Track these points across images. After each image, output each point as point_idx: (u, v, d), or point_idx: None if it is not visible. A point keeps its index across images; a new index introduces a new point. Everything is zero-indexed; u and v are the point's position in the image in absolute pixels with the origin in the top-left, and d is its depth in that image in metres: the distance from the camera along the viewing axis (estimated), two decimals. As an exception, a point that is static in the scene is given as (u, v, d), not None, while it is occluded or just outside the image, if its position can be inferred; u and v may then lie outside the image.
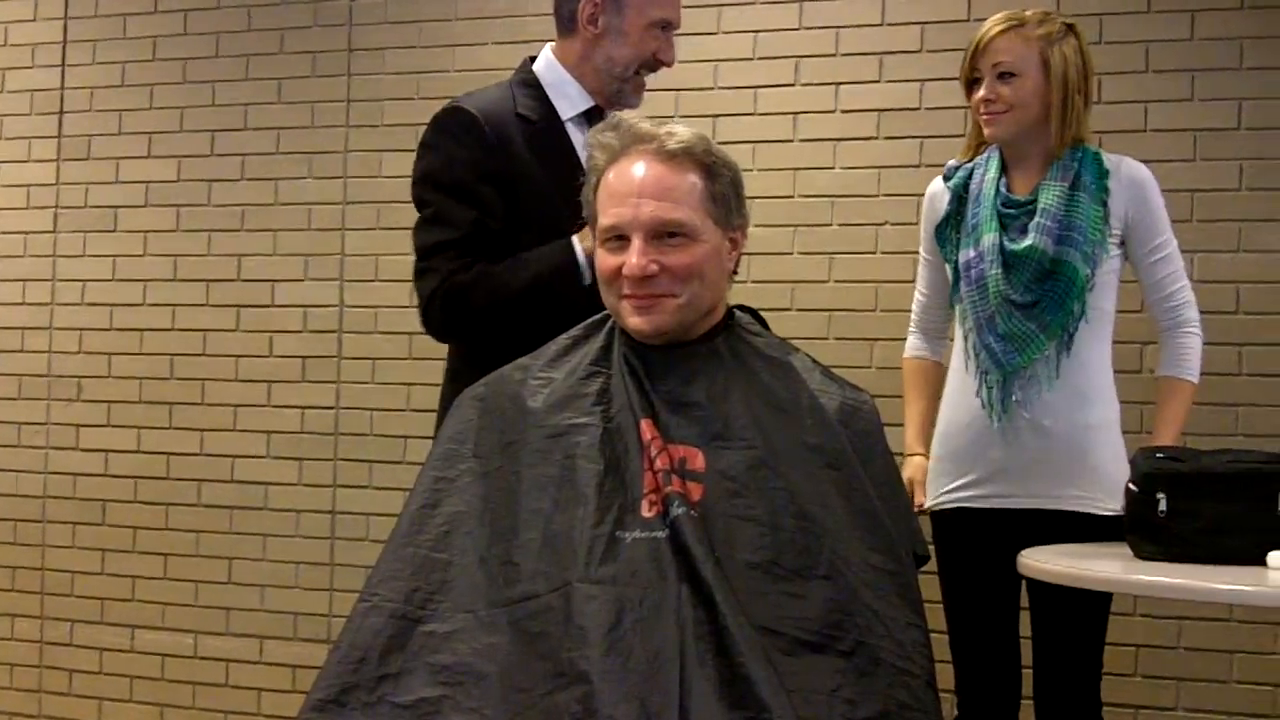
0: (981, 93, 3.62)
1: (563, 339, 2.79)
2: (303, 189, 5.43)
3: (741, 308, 2.87)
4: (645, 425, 2.55)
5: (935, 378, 3.93)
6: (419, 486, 2.63)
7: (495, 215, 3.25)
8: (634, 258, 2.60)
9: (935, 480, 3.78)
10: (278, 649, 5.40)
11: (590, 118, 3.38)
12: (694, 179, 2.64)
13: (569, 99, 3.42)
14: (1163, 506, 3.08)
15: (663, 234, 2.61)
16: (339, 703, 2.40)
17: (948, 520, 3.74)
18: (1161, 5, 4.57)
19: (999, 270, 3.60)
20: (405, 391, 5.26)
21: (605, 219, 2.65)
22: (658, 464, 2.50)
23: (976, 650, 3.75)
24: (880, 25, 4.83)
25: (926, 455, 3.84)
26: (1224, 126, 4.51)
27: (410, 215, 5.19)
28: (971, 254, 3.67)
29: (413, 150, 5.15)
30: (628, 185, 2.63)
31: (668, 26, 3.41)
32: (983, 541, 3.66)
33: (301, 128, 5.43)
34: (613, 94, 3.42)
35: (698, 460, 2.53)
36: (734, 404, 2.61)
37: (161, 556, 5.55)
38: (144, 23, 5.64)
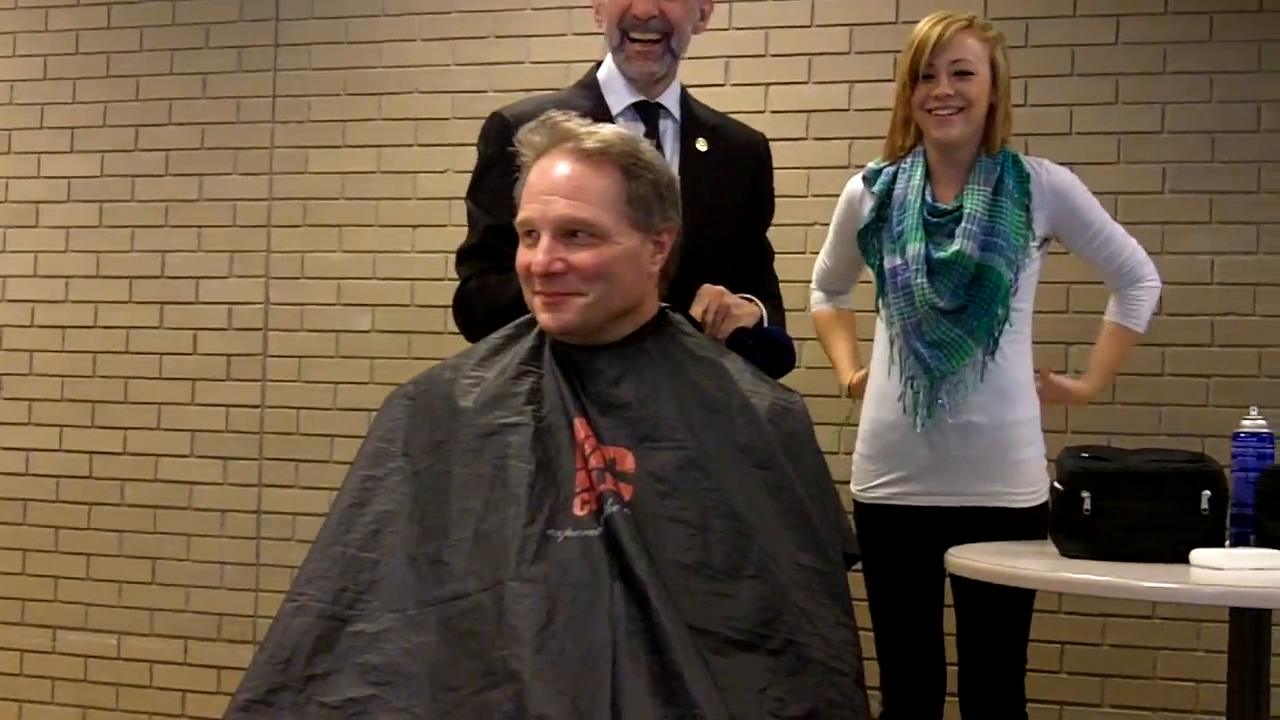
0: (940, 88, 3.61)
1: (494, 338, 2.80)
2: (227, 185, 5.39)
3: (673, 308, 2.87)
4: (579, 424, 2.56)
5: (849, 319, 4.07)
6: (347, 485, 2.62)
7: (514, 215, 3.22)
8: (539, 255, 2.63)
9: (861, 476, 3.80)
10: (202, 650, 5.36)
11: (641, 111, 3.41)
12: (610, 180, 2.66)
13: (617, 94, 3.45)
14: (1087, 505, 3.11)
15: (570, 232, 2.63)
16: (266, 703, 2.39)
17: (874, 516, 3.76)
18: (1086, 9, 4.62)
19: (924, 279, 3.62)
20: (331, 390, 5.24)
21: (520, 214, 2.69)
22: (592, 461, 2.50)
23: (902, 647, 3.77)
24: (810, 26, 4.84)
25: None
26: (1148, 130, 4.56)
27: (335, 211, 5.23)
28: (898, 261, 3.68)
29: (339, 146, 5.22)
30: (543, 183, 2.66)
31: None
32: (908, 538, 3.69)
33: (226, 123, 5.39)
34: (620, 69, 3.44)
35: (627, 461, 2.54)
36: (664, 404, 2.61)
37: (84, 557, 5.49)
38: (66, 15, 5.59)
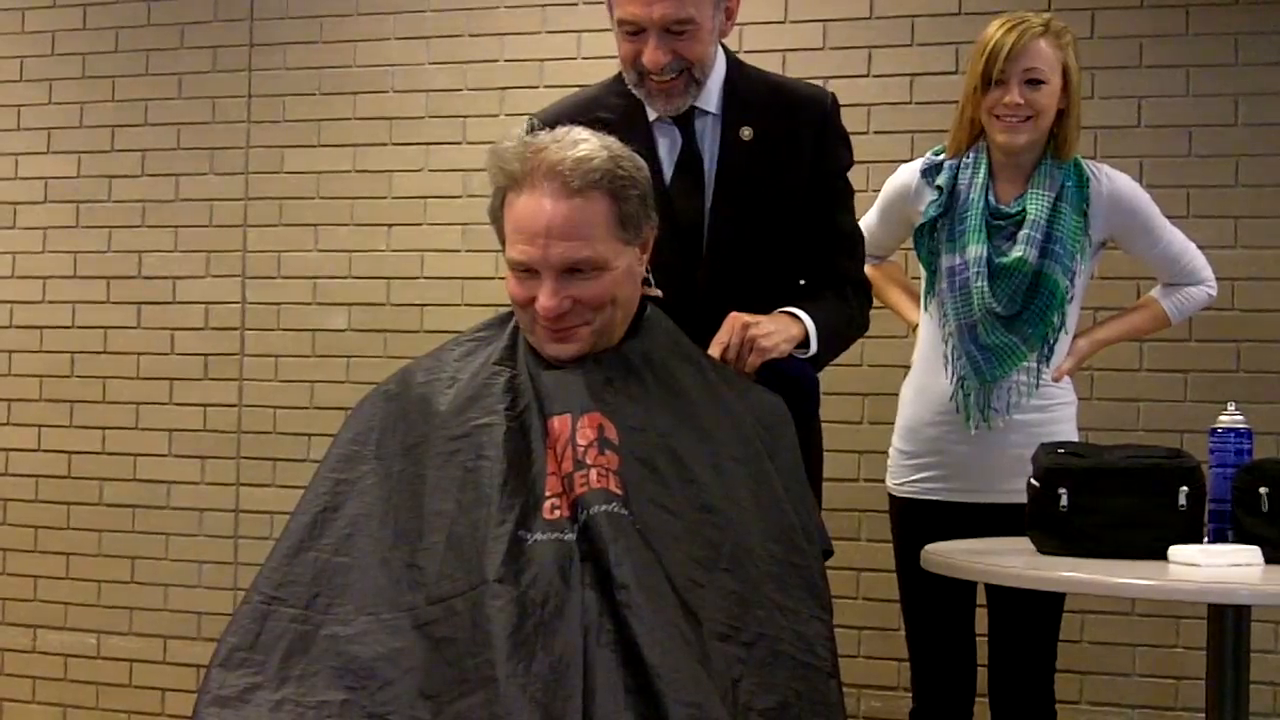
0: (1011, 96, 3.58)
1: (466, 338, 2.77)
2: (203, 185, 5.38)
3: (653, 300, 2.85)
4: (555, 422, 2.52)
5: (896, 270, 4.08)
6: (317, 488, 2.59)
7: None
8: (545, 300, 2.58)
9: (898, 471, 3.81)
10: (181, 649, 5.35)
11: (679, 118, 3.15)
12: (601, 208, 2.61)
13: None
14: (1064, 501, 3.11)
15: (573, 270, 2.59)
16: (242, 700, 2.37)
17: (911, 511, 3.78)
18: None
19: (984, 282, 3.61)
20: (308, 389, 5.24)
21: (514, 253, 2.62)
22: (565, 465, 2.47)
23: (933, 644, 3.78)
24: (869, 19, 4.81)
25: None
26: (1123, 124, 4.57)
27: (311, 211, 5.22)
28: (957, 261, 3.67)
29: (314, 146, 5.21)
30: (535, 223, 2.58)
31: (634, 29, 3.02)
32: (946, 534, 3.56)
33: (202, 123, 5.39)
34: (644, 101, 3.15)
35: (611, 431, 2.52)
36: (648, 398, 2.60)
37: (63, 556, 5.49)
38: (42, 17, 5.57)
